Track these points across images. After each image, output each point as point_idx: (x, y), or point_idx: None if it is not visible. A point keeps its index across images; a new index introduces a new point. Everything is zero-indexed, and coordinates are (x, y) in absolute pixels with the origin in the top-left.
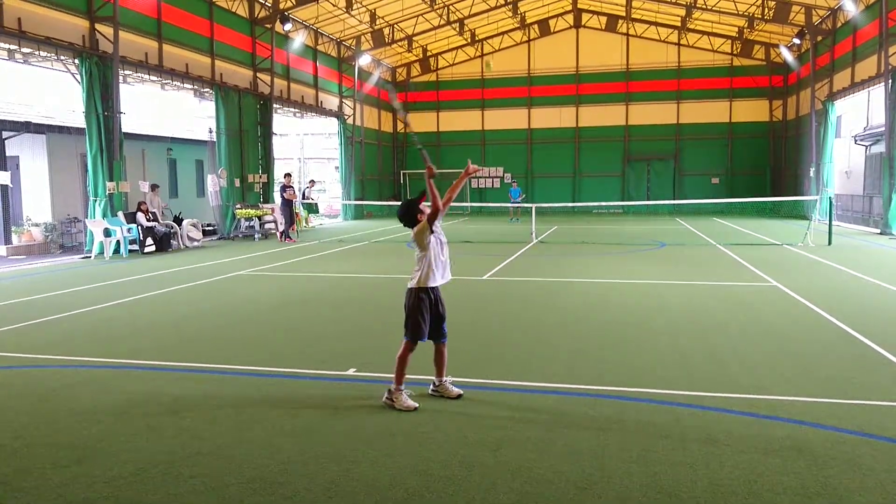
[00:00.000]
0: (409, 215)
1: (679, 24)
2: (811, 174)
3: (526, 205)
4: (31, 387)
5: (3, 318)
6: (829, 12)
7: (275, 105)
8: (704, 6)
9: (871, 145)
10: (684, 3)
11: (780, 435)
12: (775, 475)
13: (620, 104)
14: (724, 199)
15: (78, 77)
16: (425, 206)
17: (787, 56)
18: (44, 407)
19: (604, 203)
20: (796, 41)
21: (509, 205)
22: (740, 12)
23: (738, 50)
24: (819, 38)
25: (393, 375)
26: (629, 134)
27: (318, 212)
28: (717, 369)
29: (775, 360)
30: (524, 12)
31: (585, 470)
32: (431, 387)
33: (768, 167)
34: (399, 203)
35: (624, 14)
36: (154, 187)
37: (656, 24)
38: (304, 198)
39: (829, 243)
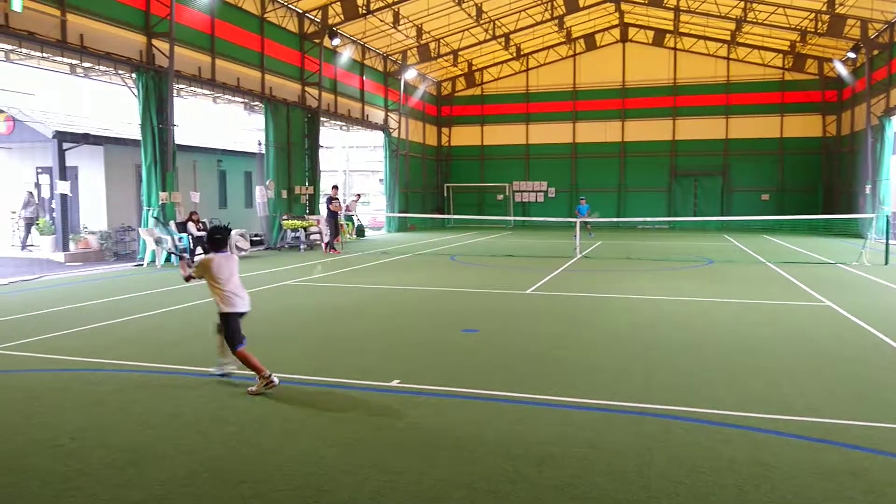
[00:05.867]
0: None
1: (728, 38)
2: (867, 191)
3: (571, 219)
4: (87, 389)
5: (61, 322)
6: (885, 26)
7: (322, 118)
8: (755, 20)
9: None
10: (734, 16)
11: (835, 459)
12: (830, 501)
13: (667, 119)
14: (774, 216)
15: (135, 91)
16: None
17: (842, 70)
18: (99, 409)
19: (649, 218)
20: (851, 55)
21: (577, 219)
22: (792, 26)
23: (790, 64)
24: (875, 52)
25: (430, 387)
26: (676, 149)
27: (363, 234)
28: (767, 390)
29: (829, 382)
30: (570, 27)
31: (631, 489)
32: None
33: (821, 184)
34: (219, 227)
35: (672, 28)
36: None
37: (705, 38)
38: (346, 210)
39: (886, 263)
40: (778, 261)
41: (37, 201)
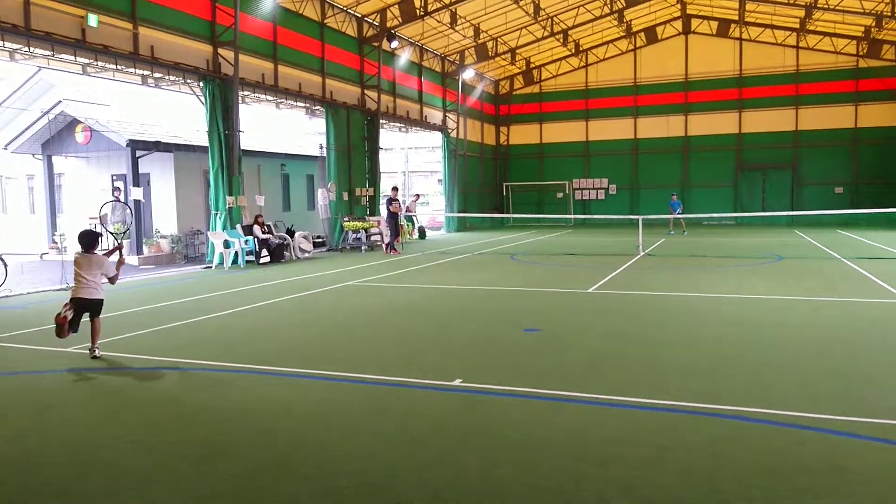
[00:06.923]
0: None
1: (797, 25)
2: None
3: (633, 217)
4: (163, 386)
5: (136, 322)
6: None
7: (381, 120)
8: (826, 6)
9: None
10: (803, 3)
11: None
12: None
13: (733, 111)
14: (848, 209)
15: (202, 98)
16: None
17: None
18: (174, 405)
19: (715, 214)
20: None
21: (670, 216)
22: (867, 10)
23: (865, 51)
24: None
25: (492, 386)
26: (742, 142)
27: (424, 236)
28: (843, 391)
29: None
30: (630, 20)
31: (700, 490)
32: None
33: None
34: (86, 230)
35: (737, 18)
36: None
37: (772, 26)
38: (406, 211)
39: None
40: (853, 256)
41: (124, 204)
